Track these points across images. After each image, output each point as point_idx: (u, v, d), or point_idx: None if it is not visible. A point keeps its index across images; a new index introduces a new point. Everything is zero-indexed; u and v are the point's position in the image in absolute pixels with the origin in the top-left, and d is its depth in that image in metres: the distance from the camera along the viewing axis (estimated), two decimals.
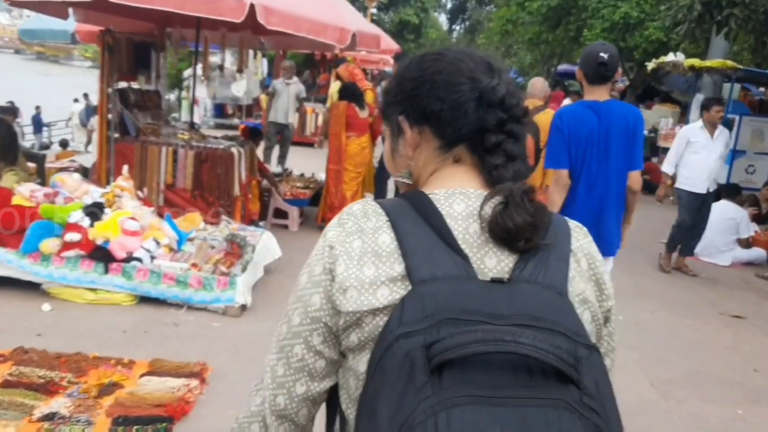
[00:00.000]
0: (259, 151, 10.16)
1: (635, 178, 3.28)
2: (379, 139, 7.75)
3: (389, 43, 12.57)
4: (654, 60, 12.07)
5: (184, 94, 16.43)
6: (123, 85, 6.07)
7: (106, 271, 4.30)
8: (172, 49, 6.54)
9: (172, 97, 17.93)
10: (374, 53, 6.67)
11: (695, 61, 11.73)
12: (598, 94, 3.28)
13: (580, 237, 0.98)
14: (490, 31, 22.68)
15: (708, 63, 11.51)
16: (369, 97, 7.25)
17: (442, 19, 47.08)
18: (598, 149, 3.23)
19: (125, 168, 5.02)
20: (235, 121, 16.18)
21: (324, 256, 0.94)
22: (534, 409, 0.76)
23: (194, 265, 4.37)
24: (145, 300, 4.38)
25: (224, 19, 4.60)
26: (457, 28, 46.05)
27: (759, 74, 11.48)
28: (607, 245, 3.26)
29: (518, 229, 0.87)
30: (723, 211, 7.26)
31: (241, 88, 16.41)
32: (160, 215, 4.90)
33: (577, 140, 3.24)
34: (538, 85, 5.55)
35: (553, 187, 3.36)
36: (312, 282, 0.94)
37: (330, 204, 6.72)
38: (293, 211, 6.82)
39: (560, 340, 0.80)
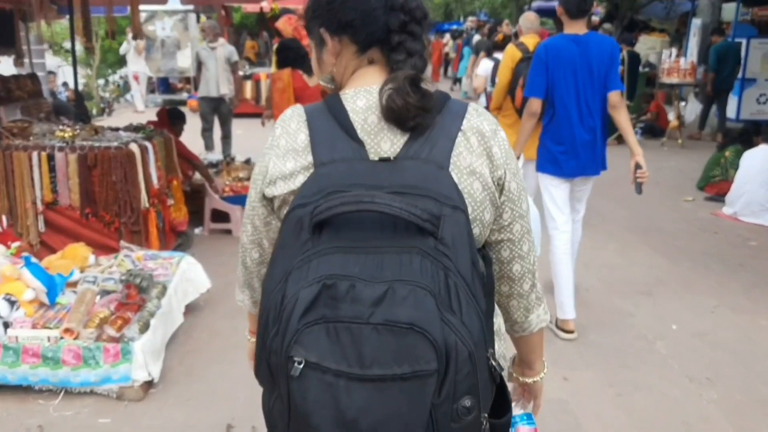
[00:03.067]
0: (195, 136, 8.67)
1: (615, 97, 3.48)
2: None
3: None
4: None
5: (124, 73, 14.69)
6: None
7: None
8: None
9: (114, 78, 16.12)
10: None
11: None
12: (578, 28, 3.48)
13: (473, 117, 1.13)
14: None
15: None
16: None
17: None
18: (583, 77, 3.45)
19: None
20: (185, 95, 14.54)
21: (262, 159, 1.16)
22: (391, 254, 0.93)
23: (68, 330, 2.96)
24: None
25: None
26: None
27: None
28: (599, 162, 3.65)
29: (401, 109, 1.05)
30: (765, 159, 5.93)
31: (187, 59, 14.73)
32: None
33: (561, 69, 3.45)
34: (532, 17, 5.15)
35: (524, 113, 3.61)
36: (253, 179, 1.19)
37: None
38: (235, 212, 5.38)
39: (427, 202, 0.98)
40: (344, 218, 0.96)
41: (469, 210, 1.07)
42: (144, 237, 4.14)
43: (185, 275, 3.69)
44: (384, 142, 1.08)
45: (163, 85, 15.37)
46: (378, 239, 0.95)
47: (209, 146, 8.14)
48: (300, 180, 1.08)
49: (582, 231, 4.02)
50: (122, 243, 3.75)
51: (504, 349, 1.28)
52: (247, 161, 6.39)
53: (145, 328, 3.04)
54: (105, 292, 3.33)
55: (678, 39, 15.11)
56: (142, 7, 14.01)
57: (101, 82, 15.37)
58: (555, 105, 3.52)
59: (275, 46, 5.68)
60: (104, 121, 12.65)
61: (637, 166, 3.43)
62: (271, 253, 1.05)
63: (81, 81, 15.21)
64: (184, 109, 6.74)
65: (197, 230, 5.45)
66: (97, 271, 3.50)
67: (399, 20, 1.11)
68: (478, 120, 1.13)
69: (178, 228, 4.81)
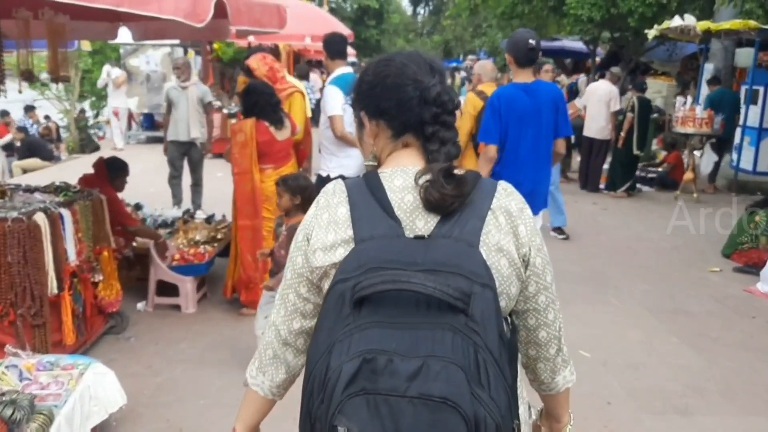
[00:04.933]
0: (160, 179, 7.82)
1: (561, 144, 3.91)
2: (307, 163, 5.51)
3: (314, 23, 10.16)
4: (656, 26, 9.87)
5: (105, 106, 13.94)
6: None
7: None
8: None
9: (84, 108, 15.35)
10: (276, 33, 4.34)
11: (709, 24, 9.57)
12: (525, 76, 3.78)
13: (502, 197, 1.20)
14: (457, 7, 20.34)
15: (726, 25, 9.34)
16: (296, 104, 4.97)
17: (405, 2, 44.90)
18: (531, 123, 3.73)
19: None
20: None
21: (305, 227, 1.24)
22: (424, 330, 1.00)
23: None
24: None
25: None
26: (422, 11, 43.87)
27: None
28: (542, 201, 3.94)
29: (438, 201, 1.13)
30: None
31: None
32: None
33: (513, 117, 3.71)
34: (490, 67, 5.37)
35: (481, 158, 3.89)
36: (296, 247, 1.25)
37: (246, 278, 4.42)
38: (185, 284, 4.53)
39: (458, 280, 1.04)
40: (383, 295, 1.03)
41: (497, 284, 1.12)
42: (50, 330, 3.28)
43: (89, 392, 2.82)
44: (419, 220, 1.16)
45: (147, 121, 14.61)
46: (413, 316, 1.02)
47: (177, 195, 7.32)
48: (340, 253, 1.15)
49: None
50: (8, 348, 2.88)
51: (525, 411, 1.33)
52: (209, 219, 5.55)
53: None
54: None
55: (683, 83, 14.48)
56: (126, 41, 13.53)
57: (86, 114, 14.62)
58: (506, 150, 3.78)
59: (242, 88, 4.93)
60: (76, 161, 11.87)
61: None
62: (315, 324, 1.16)
63: (58, 116, 14.53)
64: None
65: (140, 305, 4.59)
66: None
67: (432, 113, 1.19)
68: (506, 200, 1.20)
69: (108, 309, 3.95)
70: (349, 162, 4.75)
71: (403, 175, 1.19)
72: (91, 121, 14.78)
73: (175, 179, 7.36)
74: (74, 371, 2.88)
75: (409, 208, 1.16)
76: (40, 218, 3.21)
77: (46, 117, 13.77)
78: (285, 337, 1.29)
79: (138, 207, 5.56)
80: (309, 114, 5.55)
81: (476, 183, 1.18)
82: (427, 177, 1.13)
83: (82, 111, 15.19)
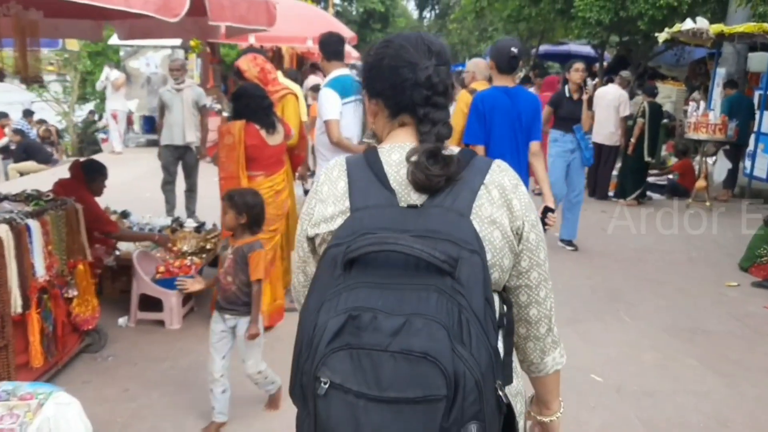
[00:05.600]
0: (153, 188, 7.56)
1: (535, 147, 4.03)
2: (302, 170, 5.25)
3: (317, 25, 9.88)
4: (667, 29, 9.55)
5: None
6: None
7: None
8: None
9: (92, 110, 15.13)
10: (263, 32, 4.06)
11: (722, 27, 9.24)
12: (507, 81, 3.96)
13: (496, 172, 1.25)
14: (462, 9, 20.08)
15: (740, 28, 9.02)
16: (289, 106, 4.69)
17: (411, 6, 44.68)
18: (513, 125, 3.89)
19: None
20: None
21: (309, 200, 1.32)
22: (410, 291, 1.04)
23: None
24: None
25: None
26: (428, 15, 43.60)
27: None
28: None
29: (423, 182, 1.17)
30: None
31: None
32: None
33: (497, 119, 3.87)
34: (483, 65, 5.20)
35: None
36: (300, 218, 1.34)
37: None
38: (170, 298, 4.25)
39: (447, 245, 1.08)
40: (372, 257, 1.08)
41: (489, 256, 1.19)
42: (14, 352, 3.01)
43: (48, 425, 2.53)
44: (413, 192, 1.21)
45: (148, 124, 14.36)
46: (400, 277, 1.06)
47: (170, 201, 7.05)
48: (338, 222, 1.21)
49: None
50: None
51: (522, 386, 1.36)
52: (200, 227, 5.27)
53: None
54: None
55: (691, 88, 14.16)
56: (126, 42, 13.26)
57: (79, 117, 14.38)
58: (490, 151, 3.88)
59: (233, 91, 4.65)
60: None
61: (546, 210, 3.82)
62: (308, 286, 1.19)
63: (56, 118, 14.32)
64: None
65: (121, 320, 4.31)
66: None
67: (422, 95, 1.24)
68: (500, 175, 1.26)
69: (84, 327, 3.67)
70: None
71: (400, 151, 1.25)
72: (101, 124, 14.53)
73: (168, 185, 7.09)
74: (33, 402, 2.59)
75: (404, 180, 1.21)
76: (3, 231, 2.93)
77: (41, 121, 13.52)
78: (296, 285, 1.42)
79: (125, 215, 5.29)
80: (304, 117, 5.27)
81: (470, 159, 1.24)
82: (414, 158, 1.18)
83: (91, 112, 14.99)
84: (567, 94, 6.42)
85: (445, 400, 0.98)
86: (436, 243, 1.07)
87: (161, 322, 4.29)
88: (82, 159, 4.22)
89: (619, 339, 4.32)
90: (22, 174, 10.93)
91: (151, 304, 4.31)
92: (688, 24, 9.23)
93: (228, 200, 3.08)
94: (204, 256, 4.69)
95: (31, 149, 11.47)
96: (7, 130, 11.60)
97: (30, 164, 11.15)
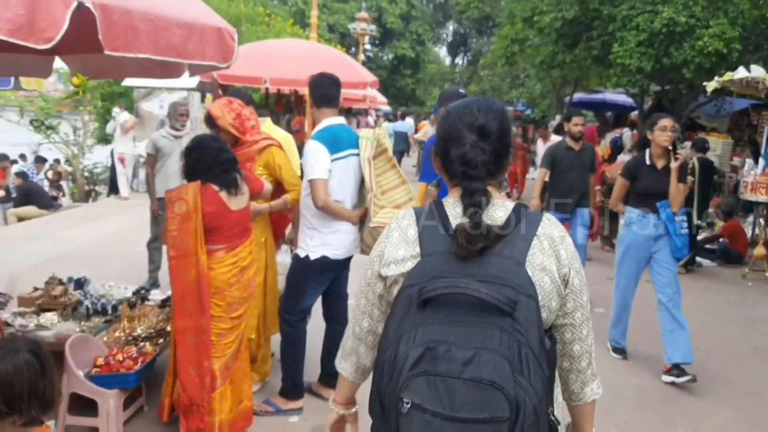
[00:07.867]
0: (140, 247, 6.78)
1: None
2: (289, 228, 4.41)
3: (338, 69, 9.17)
4: (717, 78, 8.60)
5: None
6: None
7: None
8: None
9: (101, 152, 14.62)
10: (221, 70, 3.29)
11: None
12: None
13: (546, 225, 1.46)
14: (492, 55, 19.40)
15: None
16: (277, 160, 3.88)
17: (443, 52, 44.55)
18: None
19: None
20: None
21: (378, 246, 1.54)
22: (477, 328, 1.26)
23: None
24: None
25: None
26: (460, 61, 43.36)
27: None
28: None
29: (462, 256, 1.36)
30: None
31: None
32: None
33: None
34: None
35: (425, 197, 4.22)
36: (370, 261, 1.56)
37: (186, 399, 3.21)
38: (106, 400, 3.38)
39: (507, 290, 1.30)
40: (444, 298, 1.30)
41: (539, 298, 1.37)
42: None
43: None
44: None
45: None
46: (468, 316, 1.28)
47: (154, 261, 6.24)
48: (409, 265, 1.43)
49: None
50: None
51: (561, 416, 1.49)
52: (165, 301, 4.39)
53: None
54: None
55: (735, 141, 13.13)
56: (137, 82, 12.82)
57: (89, 162, 13.89)
58: (443, 190, 3.71)
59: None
60: (76, 209, 11.03)
61: None
62: (385, 322, 1.43)
63: (65, 161, 13.87)
64: None
65: (50, 424, 3.45)
66: None
67: (459, 170, 1.46)
68: (550, 228, 1.46)
69: None
70: (336, 239, 3.65)
71: (460, 206, 1.47)
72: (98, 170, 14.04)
73: (156, 242, 6.29)
74: None
75: None
76: None
77: (56, 161, 13.06)
78: (358, 333, 1.65)
79: (79, 284, 4.48)
80: (298, 171, 4.46)
81: (523, 212, 1.46)
82: (455, 236, 1.39)
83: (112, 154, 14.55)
84: (648, 161, 4.74)
85: (508, 422, 1.20)
86: (499, 288, 1.29)
87: (96, 430, 3.41)
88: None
89: None
90: (21, 219, 10.38)
91: (86, 405, 3.45)
92: (741, 72, 8.30)
93: None
94: (161, 341, 3.84)
95: (32, 193, 10.94)
96: (7, 173, 11.11)
97: (30, 209, 10.60)
